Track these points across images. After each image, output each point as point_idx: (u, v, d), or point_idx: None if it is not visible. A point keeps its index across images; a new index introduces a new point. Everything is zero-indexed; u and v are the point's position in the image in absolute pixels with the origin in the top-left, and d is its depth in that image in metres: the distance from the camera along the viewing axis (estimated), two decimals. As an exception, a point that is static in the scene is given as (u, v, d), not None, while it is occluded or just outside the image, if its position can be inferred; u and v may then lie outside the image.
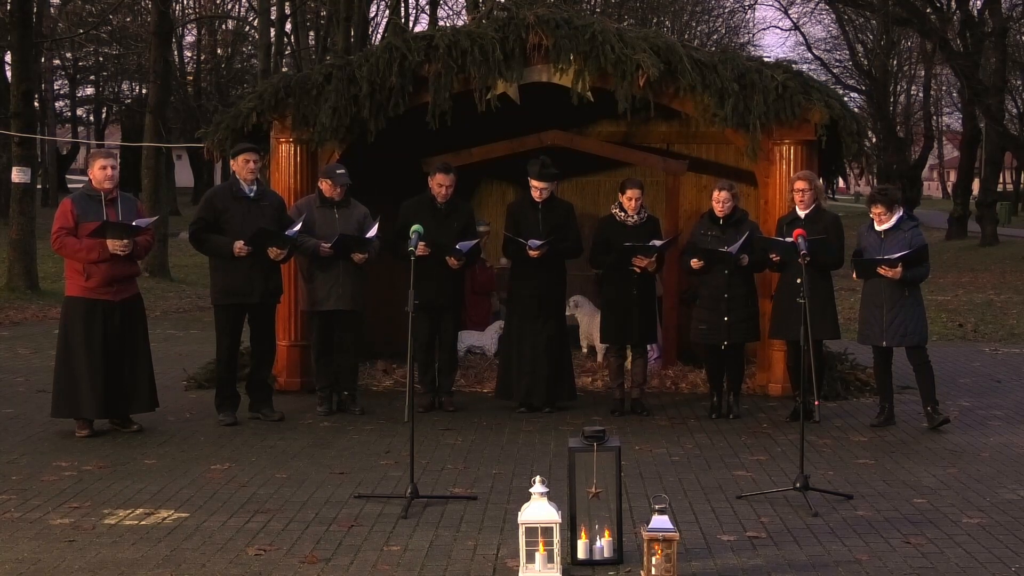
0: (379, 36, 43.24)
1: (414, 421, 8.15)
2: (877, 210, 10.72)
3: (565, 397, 11.63)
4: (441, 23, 39.18)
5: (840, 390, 12.25)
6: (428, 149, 13.15)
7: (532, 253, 11.13)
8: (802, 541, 7.22)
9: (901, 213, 10.78)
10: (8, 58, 29.53)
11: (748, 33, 62.61)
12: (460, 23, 29.39)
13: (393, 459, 9.36)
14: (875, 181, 31.75)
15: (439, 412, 11.45)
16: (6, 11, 33.38)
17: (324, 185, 11.22)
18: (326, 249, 10.91)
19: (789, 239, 10.08)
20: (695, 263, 11.01)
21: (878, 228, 10.73)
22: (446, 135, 12.67)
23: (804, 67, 29.27)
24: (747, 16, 64.12)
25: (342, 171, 11.18)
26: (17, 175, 23.20)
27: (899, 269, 10.40)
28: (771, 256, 10.83)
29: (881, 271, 10.44)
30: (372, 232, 11.07)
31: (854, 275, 10.77)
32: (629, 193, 11.32)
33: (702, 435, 10.47)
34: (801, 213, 10.93)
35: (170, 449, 9.76)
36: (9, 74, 27.23)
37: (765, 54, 52.71)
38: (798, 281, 8.62)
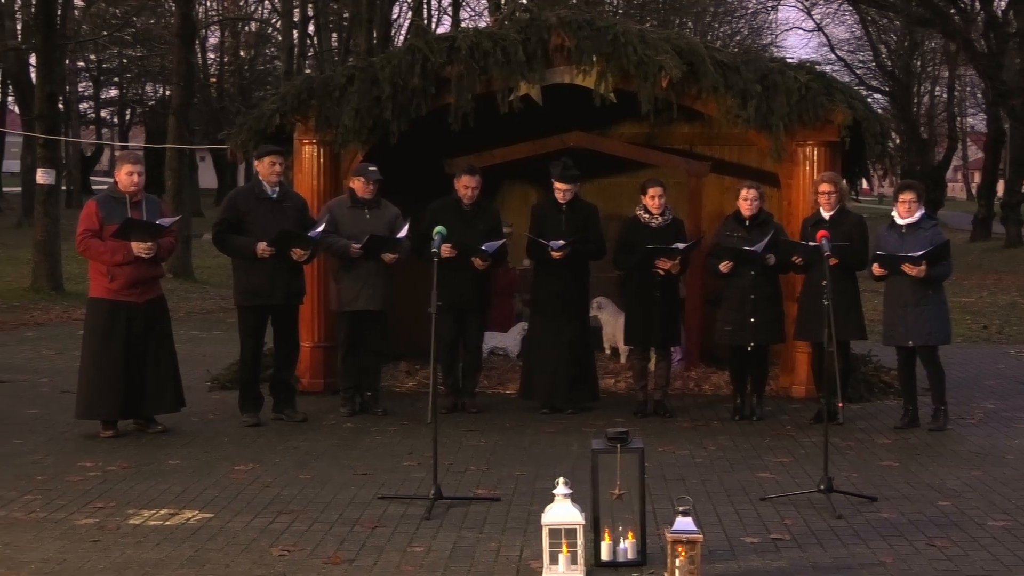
0: (401, 38, 43.34)
1: (437, 422, 8.15)
2: (907, 197, 10.67)
3: (588, 398, 11.62)
4: (463, 24, 39.26)
5: (864, 392, 12.21)
6: (450, 151, 13.15)
7: (555, 254, 11.12)
8: (826, 543, 7.20)
9: (923, 212, 10.76)
10: (33, 60, 29.66)
11: (771, 34, 62.45)
12: (482, 24, 29.38)
13: (416, 460, 9.36)
14: (898, 182, 31.63)
15: (462, 413, 11.45)
16: (31, 14, 33.52)
17: (356, 184, 11.22)
18: (356, 249, 10.93)
19: (812, 242, 10.08)
20: (724, 267, 10.98)
21: (901, 221, 10.69)
22: (468, 137, 12.67)
23: (827, 68, 29.19)
24: (770, 17, 64.09)
25: (374, 168, 11.19)
26: (42, 177, 23.29)
27: (923, 267, 10.36)
28: (794, 259, 10.81)
29: (905, 268, 10.40)
30: (402, 233, 11.07)
31: (875, 267, 10.68)
32: (651, 192, 11.31)
33: (725, 437, 10.45)
34: (826, 215, 10.90)
35: (194, 450, 9.78)
36: (34, 76, 27.34)
37: (788, 55, 52.57)
38: (823, 283, 8.58)
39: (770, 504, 8.10)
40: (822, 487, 8.05)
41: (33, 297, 22.35)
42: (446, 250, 10.29)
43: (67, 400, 11.65)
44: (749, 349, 11.15)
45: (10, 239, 36.76)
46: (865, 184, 14.62)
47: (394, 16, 43.36)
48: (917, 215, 10.69)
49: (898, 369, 11.07)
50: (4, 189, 56.67)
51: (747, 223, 11.13)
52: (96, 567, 6.69)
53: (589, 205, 11.68)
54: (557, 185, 11.32)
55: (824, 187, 10.97)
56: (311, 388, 12.27)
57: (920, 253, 10.38)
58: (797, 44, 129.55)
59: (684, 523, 6.45)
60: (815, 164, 12.03)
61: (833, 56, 56.24)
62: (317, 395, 12.12)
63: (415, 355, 13.39)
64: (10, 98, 51.89)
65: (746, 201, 11.13)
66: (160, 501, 8.11)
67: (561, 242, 11.11)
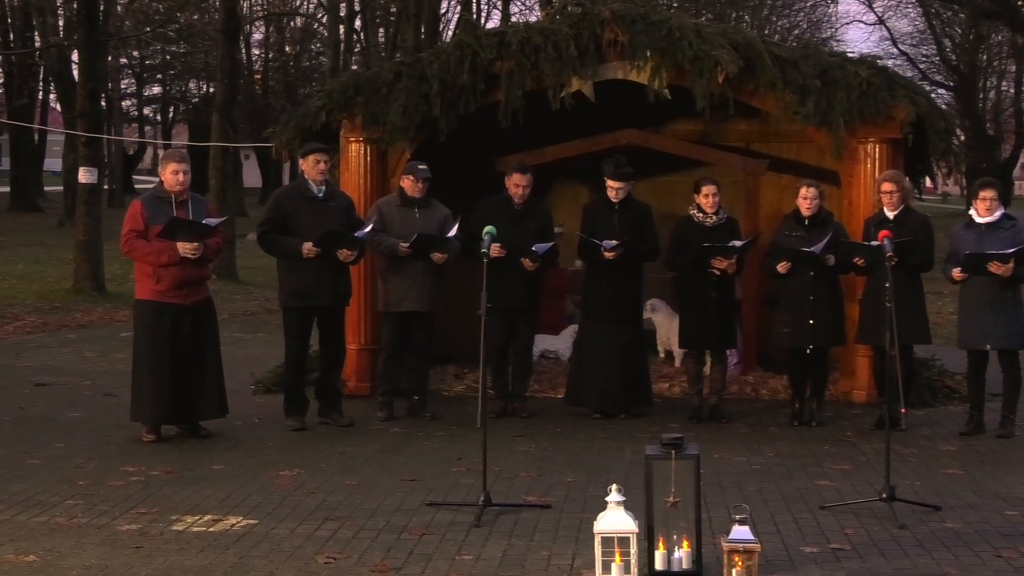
0: (450, 33, 43.42)
1: (486, 427, 8.16)
2: (988, 194, 10.57)
3: (641, 403, 11.60)
4: (513, 19, 39.30)
5: (927, 397, 12.12)
6: (500, 149, 13.16)
7: (607, 255, 11.11)
8: (888, 554, 7.16)
9: (1002, 210, 10.67)
10: (75, 57, 29.90)
11: (831, 28, 62.12)
12: (533, 19, 29.34)
13: (465, 466, 9.37)
14: (964, 181, 31.42)
15: (512, 418, 11.45)
16: (73, 9, 33.82)
17: (406, 182, 11.24)
18: (404, 248, 10.95)
19: (874, 243, 10.01)
20: (782, 267, 10.93)
21: (980, 220, 10.58)
22: (519, 134, 12.67)
23: (889, 63, 28.98)
24: (830, 10, 63.51)
25: (423, 167, 11.21)
26: (84, 175, 23.44)
27: (1011, 265, 10.26)
28: (855, 260, 10.75)
29: (992, 267, 10.29)
30: (451, 233, 11.09)
31: (956, 272, 10.57)
32: (705, 190, 11.29)
33: (783, 443, 10.41)
34: (889, 214, 10.85)
35: (238, 455, 9.83)
36: (76, 73, 27.55)
37: (849, 49, 52.40)
38: (887, 285, 8.54)
39: (830, 513, 8.06)
40: (884, 495, 8.00)
41: (75, 298, 22.49)
42: (495, 250, 10.27)
43: (110, 403, 11.77)
44: (808, 352, 11.10)
45: (52, 239, 37.07)
46: (929, 182, 14.52)
47: (442, 11, 43.54)
48: (997, 214, 10.59)
49: (968, 373, 10.98)
50: (46, 188, 57.20)
51: (806, 222, 11.08)
52: (139, 574, 6.74)
53: (643, 204, 11.66)
54: (610, 183, 11.32)
55: (887, 186, 10.91)
56: (357, 392, 12.29)
57: (1012, 251, 10.26)
58: (858, 38, 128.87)
59: (741, 532, 6.43)
60: (876, 162, 11.96)
61: (895, 50, 55.92)
62: (364, 399, 12.13)
63: (464, 358, 13.39)
64: (52, 95, 52.48)
65: (805, 200, 11.07)
66: (204, 507, 8.16)
67: (614, 242, 11.09)
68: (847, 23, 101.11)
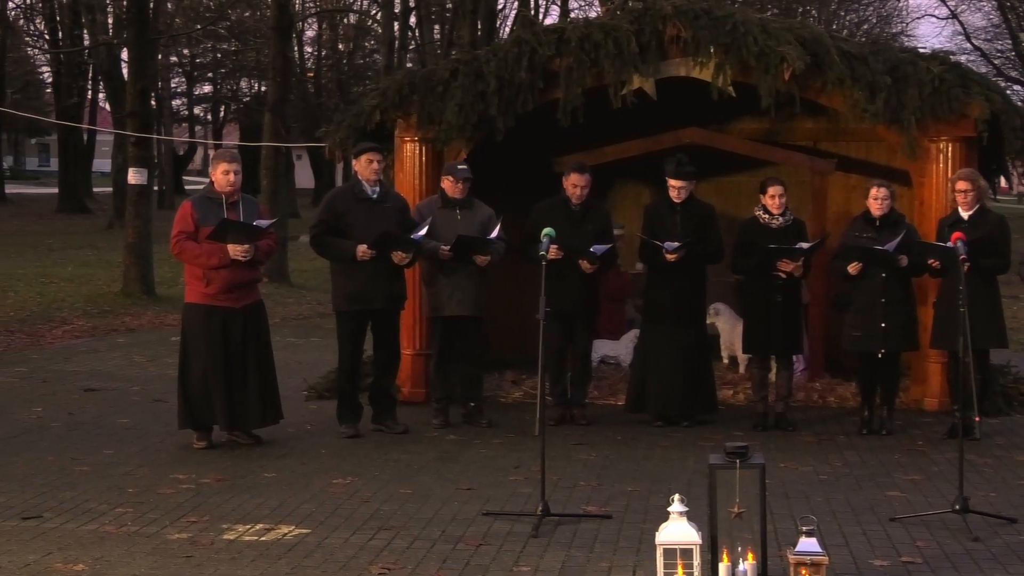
0: (507, 29, 43.53)
1: (545, 434, 8.15)
2: None
3: (704, 410, 11.56)
4: (572, 15, 39.30)
5: (1003, 405, 12.02)
6: (559, 148, 13.15)
7: (669, 257, 11.08)
8: (961, 568, 7.10)
9: None
10: (124, 55, 30.15)
11: (901, 22, 61.73)
12: (593, 14, 29.31)
13: (523, 475, 9.37)
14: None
15: (571, 425, 11.44)
16: (122, 7, 34.11)
17: (446, 183, 11.26)
18: (445, 252, 10.96)
19: (948, 243, 9.94)
20: (853, 268, 10.85)
21: None
22: (578, 133, 12.67)
23: (962, 58, 28.73)
24: (900, 4, 63.31)
25: (463, 167, 11.22)
26: (133, 176, 23.62)
27: None
28: (930, 262, 10.67)
29: None
30: (494, 234, 11.09)
31: None
32: (771, 191, 11.24)
33: (852, 452, 10.34)
34: (964, 215, 10.76)
35: (290, 462, 9.88)
36: (125, 72, 27.78)
37: (920, 44, 52.00)
38: (960, 288, 8.47)
39: (900, 525, 8.01)
40: (957, 507, 7.94)
41: (124, 301, 22.68)
42: (553, 252, 10.24)
43: (159, 409, 11.85)
44: (879, 356, 11.01)
45: (101, 241, 37.44)
46: (1004, 182, 14.41)
47: (499, 7, 43.59)
48: None
49: (1042, 380, 10.90)
50: (95, 189, 57.75)
51: (877, 223, 11.00)
52: (189, 583, 6.79)
53: (706, 205, 11.63)
54: (671, 182, 11.28)
55: (961, 184, 10.81)
56: (412, 398, 12.30)
57: None
58: (930, 33, 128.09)
59: (808, 544, 6.40)
60: (950, 161, 11.86)
61: (969, 45, 55.46)
62: (419, 405, 12.13)
63: (521, 364, 13.40)
64: (101, 95, 52.98)
65: (876, 200, 11.00)
66: (255, 516, 8.20)
67: (676, 244, 11.06)
68: (918, 17, 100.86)
